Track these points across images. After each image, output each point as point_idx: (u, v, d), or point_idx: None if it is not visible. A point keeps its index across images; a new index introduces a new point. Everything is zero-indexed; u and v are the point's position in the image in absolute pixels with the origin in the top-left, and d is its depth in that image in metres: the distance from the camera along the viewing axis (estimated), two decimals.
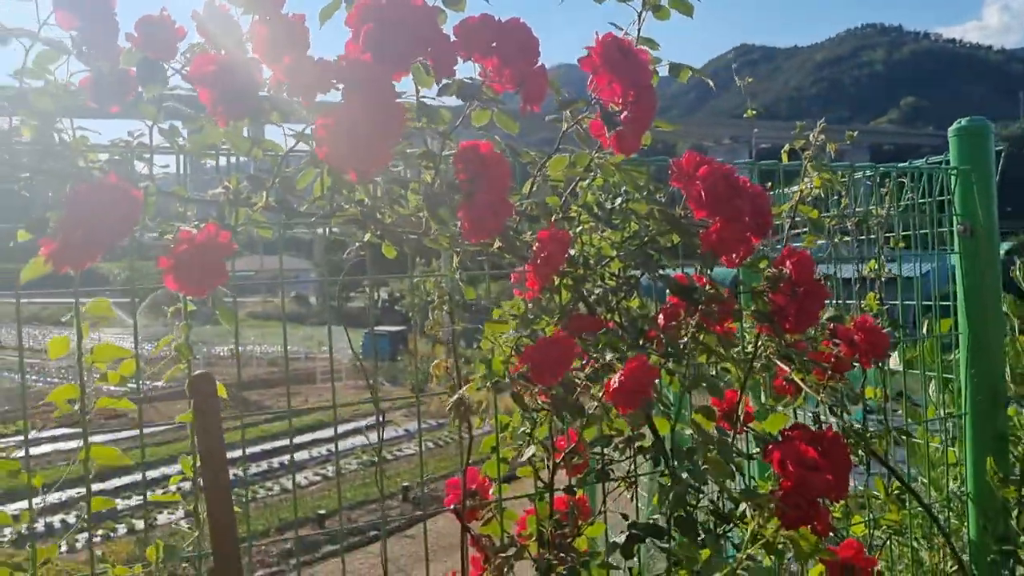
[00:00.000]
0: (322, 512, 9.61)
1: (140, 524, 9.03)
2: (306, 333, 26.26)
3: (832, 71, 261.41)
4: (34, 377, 17.41)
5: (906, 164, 2.20)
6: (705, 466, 1.27)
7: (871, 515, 1.91)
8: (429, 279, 1.47)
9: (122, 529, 9.16)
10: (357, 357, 1.42)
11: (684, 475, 1.29)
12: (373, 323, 1.52)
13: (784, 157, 1.80)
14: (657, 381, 1.39)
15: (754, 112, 2.05)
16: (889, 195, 2.12)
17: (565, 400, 1.30)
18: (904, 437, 2.21)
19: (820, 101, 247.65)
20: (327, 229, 1.33)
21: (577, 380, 1.36)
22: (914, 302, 2.24)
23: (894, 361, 2.30)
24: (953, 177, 2.13)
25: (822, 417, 1.61)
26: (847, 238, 2.27)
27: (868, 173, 2.19)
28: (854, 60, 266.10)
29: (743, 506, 1.29)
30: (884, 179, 2.22)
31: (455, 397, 1.43)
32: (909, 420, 2.25)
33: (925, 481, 2.24)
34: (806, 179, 1.68)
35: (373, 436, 1.41)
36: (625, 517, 1.46)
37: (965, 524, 2.14)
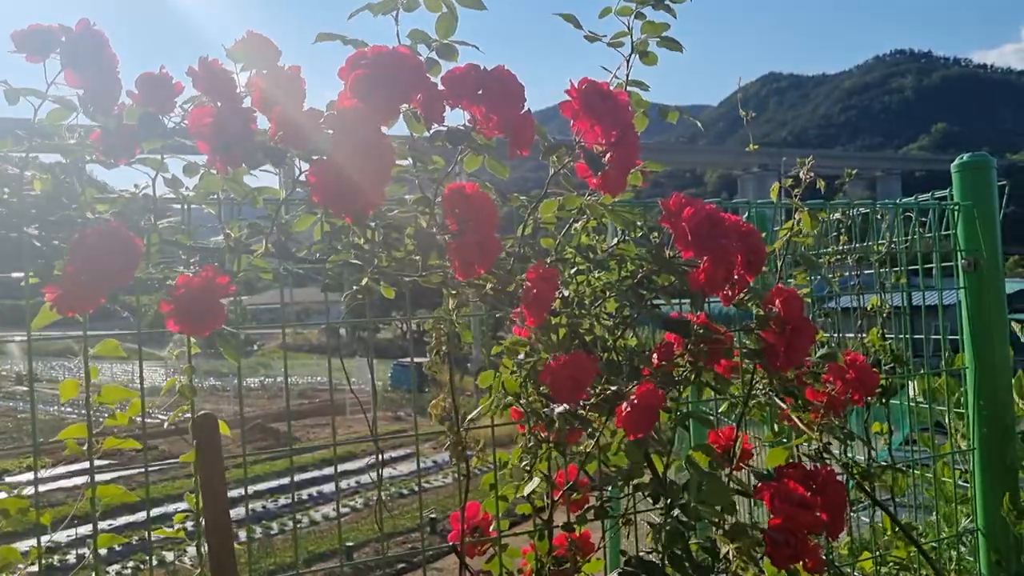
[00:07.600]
0: (350, 544, 9.61)
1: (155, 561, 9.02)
2: (335, 364, 26.40)
3: (861, 98, 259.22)
4: (41, 406, 17.69)
5: (910, 200, 2.20)
6: (695, 504, 1.27)
7: (878, 552, 1.90)
8: (428, 321, 1.50)
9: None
10: (366, 392, 1.45)
11: (676, 512, 1.30)
12: (372, 360, 1.55)
13: (773, 195, 1.81)
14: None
15: (756, 147, 2.06)
16: (891, 229, 2.12)
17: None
18: (917, 471, 2.19)
19: (850, 128, 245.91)
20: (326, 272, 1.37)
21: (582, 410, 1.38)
22: (921, 335, 2.23)
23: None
24: (956, 212, 2.13)
25: (823, 454, 1.61)
26: (868, 272, 2.27)
27: (863, 210, 2.19)
28: (884, 87, 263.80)
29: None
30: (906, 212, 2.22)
31: (453, 437, 1.46)
32: (913, 452, 2.23)
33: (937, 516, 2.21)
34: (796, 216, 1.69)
35: (400, 468, 1.43)
36: (623, 553, 1.47)
37: (977, 560, 2.11)
